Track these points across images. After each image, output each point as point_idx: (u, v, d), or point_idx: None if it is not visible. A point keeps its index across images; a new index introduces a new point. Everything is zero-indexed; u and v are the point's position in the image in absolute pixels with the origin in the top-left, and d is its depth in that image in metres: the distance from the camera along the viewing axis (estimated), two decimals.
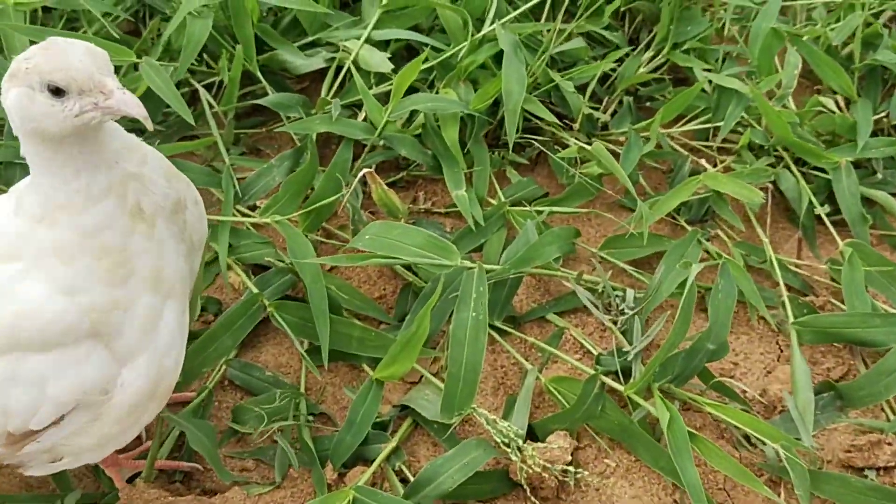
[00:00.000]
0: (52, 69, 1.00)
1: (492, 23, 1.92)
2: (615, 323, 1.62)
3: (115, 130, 1.13)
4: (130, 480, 1.43)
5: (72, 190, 1.07)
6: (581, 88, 2.02)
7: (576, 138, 1.94)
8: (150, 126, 1.04)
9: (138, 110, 1.01)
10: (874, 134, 1.92)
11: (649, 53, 2.11)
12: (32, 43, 1.76)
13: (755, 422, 1.41)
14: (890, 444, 1.46)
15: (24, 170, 1.78)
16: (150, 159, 1.16)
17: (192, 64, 1.94)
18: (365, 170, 1.71)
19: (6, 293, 1.09)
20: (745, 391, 1.58)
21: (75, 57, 1.01)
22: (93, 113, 1.01)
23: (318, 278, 1.57)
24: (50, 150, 1.06)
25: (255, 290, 1.62)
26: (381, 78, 1.99)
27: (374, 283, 1.77)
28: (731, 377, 1.60)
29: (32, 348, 1.10)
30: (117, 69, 1.93)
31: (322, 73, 2.05)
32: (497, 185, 1.89)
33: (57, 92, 1.00)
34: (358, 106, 1.95)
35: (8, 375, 1.10)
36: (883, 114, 1.99)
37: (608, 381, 1.49)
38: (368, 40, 1.98)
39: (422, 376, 1.58)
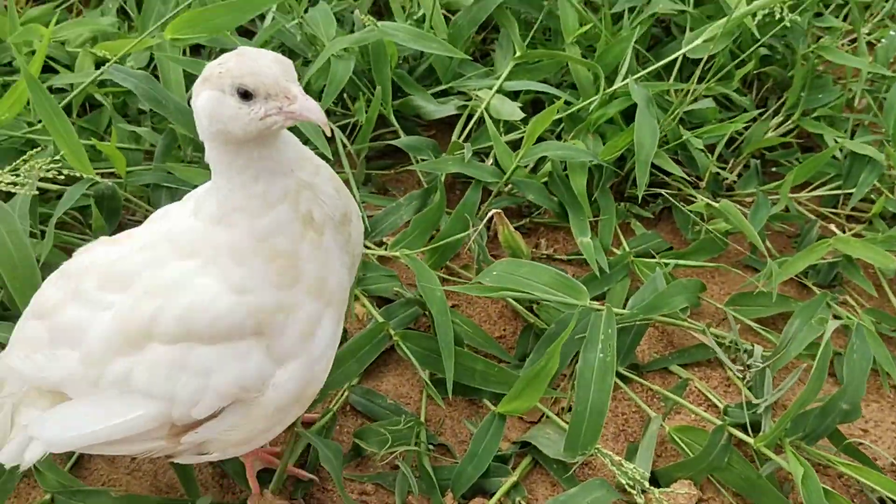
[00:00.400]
0: (243, 73, 1.05)
1: (624, 78, 1.95)
2: (742, 378, 1.60)
3: (291, 140, 1.18)
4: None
5: (250, 194, 1.12)
6: (708, 148, 2.03)
7: (701, 196, 1.95)
8: (328, 131, 1.09)
9: (318, 115, 1.06)
10: None
11: (778, 119, 2.11)
12: (186, 73, 1.91)
13: (894, 484, 1.37)
14: None
15: (171, 193, 1.90)
16: (322, 171, 1.20)
17: (329, 106, 2.03)
18: (493, 210, 1.76)
19: (183, 286, 1.15)
20: (875, 458, 1.53)
21: (265, 63, 1.06)
22: (276, 117, 1.06)
23: (444, 310, 1.60)
24: (232, 153, 1.11)
25: (381, 319, 1.66)
26: (509, 127, 2.05)
27: (493, 322, 1.79)
28: (860, 444, 1.55)
29: (202, 340, 1.15)
30: None
31: (450, 122, 2.12)
32: (621, 236, 1.90)
33: (245, 95, 1.06)
34: (486, 153, 2.01)
35: (178, 363, 1.15)
36: None
37: (736, 432, 1.46)
38: (500, 90, 2.04)
39: (541, 415, 1.59)
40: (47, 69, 2.01)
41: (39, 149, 1.66)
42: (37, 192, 1.61)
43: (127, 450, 1.24)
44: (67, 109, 1.92)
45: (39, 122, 1.83)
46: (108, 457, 1.57)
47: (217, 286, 1.14)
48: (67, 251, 1.78)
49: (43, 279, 1.54)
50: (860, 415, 1.50)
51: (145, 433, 1.19)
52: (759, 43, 2.01)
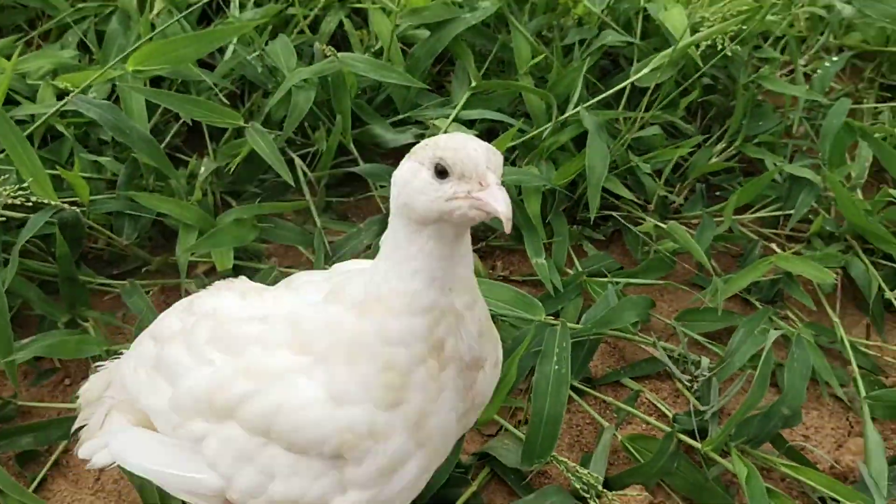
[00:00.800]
0: (446, 147, 1.02)
1: (575, 107, 2.04)
2: (690, 388, 1.67)
3: (468, 264, 1.12)
4: None
5: (400, 289, 1.07)
6: (656, 173, 2.12)
7: (650, 218, 2.03)
8: (508, 228, 1.00)
9: (505, 210, 0.99)
10: None
11: (721, 145, 2.21)
12: (148, 103, 1.95)
13: (833, 483, 1.45)
14: None
15: (133, 220, 1.93)
16: (477, 307, 1.14)
17: (289, 135, 2.09)
18: None
19: (282, 381, 1.12)
20: (816, 462, 1.60)
21: (471, 145, 1.03)
22: (462, 202, 1.01)
23: None
24: (408, 237, 1.07)
25: None
26: None
27: None
28: (803, 449, 1.63)
29: (279, 441, 1.12)
30: (222, 132, 2.09)
31: (407, 150, 2.16)
32: (574, 258, 1.98)
33: (441, 174, 1.02)
34: None
35: (248, 453, 1.14)
36: None
37: (685, 438, 1.53)
38: (456, 119, 2.11)
39: (500, 428, 1.64)
40: (8, 101, 2.03)
41: (6, 176, 1.69)
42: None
43: (187, 497, 1.23)
44: (29, 140, 1.95)
45: (2, 151, 1.86)
46: (72, 477, 1.59)
47: (315, 392, 1.10)
48: (31, 279, 1.81)
49: (9, 307, 1.59)
50: (801, 420, 1.57)
51: (199, 494, 1.20)
52: (700, 72, 2.10)
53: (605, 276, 1.90)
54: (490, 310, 1.61)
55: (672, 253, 1.96)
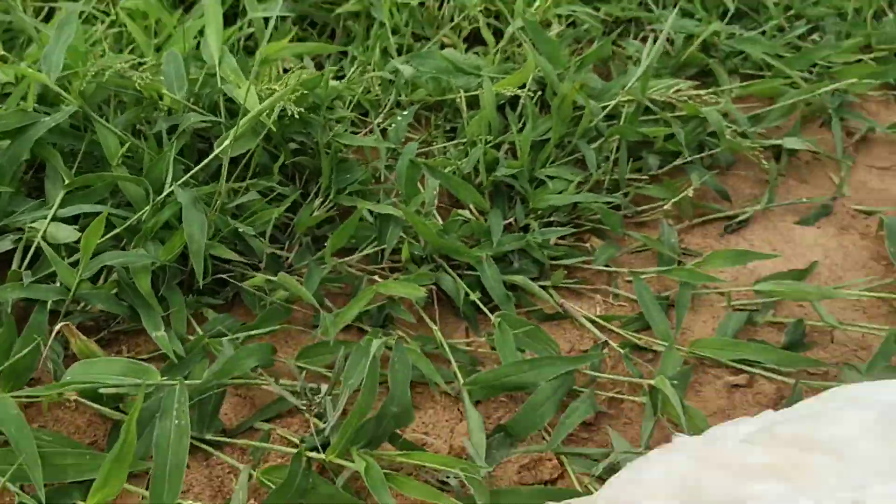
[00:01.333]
0: None
1: (169, 186, 2.14)
2: (312, 413, 1.82)
3: None
4: None
5: None
6: (262, 234, 2.27)
7: (261, 275, 2.17)
8: None
9: None
10: (507, 235, 2.35)
11: (319, 200, 2.42)
12: None
13: (435, 457, 1.65)
14: (550, 460, 1.75)
15: None
16: None
17: None
18: (61, 324, 1.83)
19: None
20: (437, 450, 1.81)
21: None
22: None
23: (21, 425, 1.62)
24: None
25: None
26: (73, 251, 2.12)
27: (84, 432, 1.84)
28: (424, 443, 1.83)
29: None
30: None
31: (8, 259, 2.14)
32: (195, 325, 2.06)
33: None
34: (51, 278, 2.05)
35: None
36: (511, 219, 2.44)
37: (314, 455, 1.66)
38: (55, 218, 2.11)
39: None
40: None
41: None
42: None
43: None
44: None
45: None
46: None
47: None
48: None
49: None
50: (413, 417, 1.76)
51: None
52: (263, 133, 2.26)
53: (227, 335, 2.00)
54: (103, 383, 1.67)
55: (288, 301, 2.11)
